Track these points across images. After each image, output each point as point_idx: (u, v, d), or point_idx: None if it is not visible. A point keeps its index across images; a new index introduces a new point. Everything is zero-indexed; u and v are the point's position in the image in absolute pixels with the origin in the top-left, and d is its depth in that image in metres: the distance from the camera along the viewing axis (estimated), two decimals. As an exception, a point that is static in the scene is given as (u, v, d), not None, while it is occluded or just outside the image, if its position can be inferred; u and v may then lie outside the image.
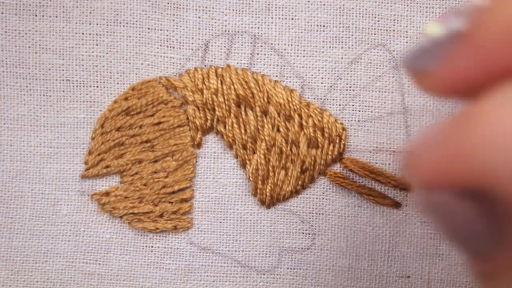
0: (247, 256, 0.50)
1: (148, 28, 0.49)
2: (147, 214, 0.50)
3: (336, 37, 0.49)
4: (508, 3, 0.21)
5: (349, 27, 0.49)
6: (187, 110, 0.49)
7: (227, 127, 0.49)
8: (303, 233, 0.50)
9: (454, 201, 0.22)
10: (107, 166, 0.50)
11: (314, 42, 0.49)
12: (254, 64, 0.49)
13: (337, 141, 0.49)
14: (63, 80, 0.49)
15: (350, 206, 0.50)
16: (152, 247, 0.50)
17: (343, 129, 0.49)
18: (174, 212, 0.50)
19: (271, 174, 0.49)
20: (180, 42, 0.49)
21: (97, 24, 0.49)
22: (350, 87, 0.49)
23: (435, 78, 0.24)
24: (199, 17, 0.49)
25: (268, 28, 0.49)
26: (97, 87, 0.49)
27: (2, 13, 0.48)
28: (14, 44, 0.49)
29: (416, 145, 0.23)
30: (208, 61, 0.49)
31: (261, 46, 0.49)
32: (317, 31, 0.49)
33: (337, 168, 0.50)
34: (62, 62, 0.49)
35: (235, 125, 0.49)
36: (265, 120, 0.49)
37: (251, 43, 0.49)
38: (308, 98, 0.49)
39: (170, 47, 0.49)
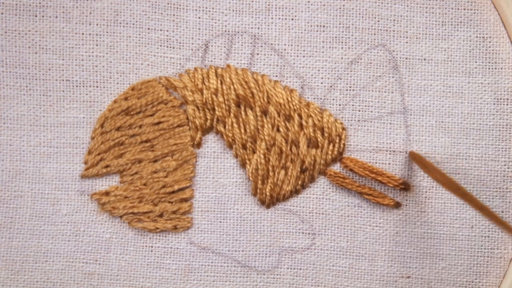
0: (247, 256, 0.50)
1: (148, 29, 0.49)
2: (147, 213, 0.50)
3: (336, 37, 0.49)
4: None
5: (349, 27, 0.49)
6: (187, 110, 0.50)
7: (227, 127, 0.49)
8: (303, 233, 0.50)
9: None
10: (106, 166, 0.50)
11: (314, 42, 0.49)
12: (254, 64, 0.49)
13: (337, 140, 0.49)
14: (62, 80, 0.49)
15: (350, 206, 0.50)
16: (152, 247, 0.50)
17: (343, 129, 0.49)
18: (174, 212, 0.50)
19: (271, 173, 0.49)
20: (180, 42, 0.49)
21: (97, 25, 0.49)
22: (350, 87, 0.49)
23: None
24: (199, 18, 0.49)
25: (268, 28, 0.49)
26: (97, 87, 0.49)
27: (2, 13, 0.48)
28: (14, 44, 0.49)
29: None
30: (208, 61, 0.49)
31: (261, 46, 0.49)
32: (317, 31, 0.49)
33: (337, 167, 0.50)
34: (62, 62, 0.49)
35: (235, 125, 0.49)
36: (265, 120, 0.49)
37: (251, 43, 0.49)
38: (308, 98, 0.50)
39: (170, 47, 0.49)
